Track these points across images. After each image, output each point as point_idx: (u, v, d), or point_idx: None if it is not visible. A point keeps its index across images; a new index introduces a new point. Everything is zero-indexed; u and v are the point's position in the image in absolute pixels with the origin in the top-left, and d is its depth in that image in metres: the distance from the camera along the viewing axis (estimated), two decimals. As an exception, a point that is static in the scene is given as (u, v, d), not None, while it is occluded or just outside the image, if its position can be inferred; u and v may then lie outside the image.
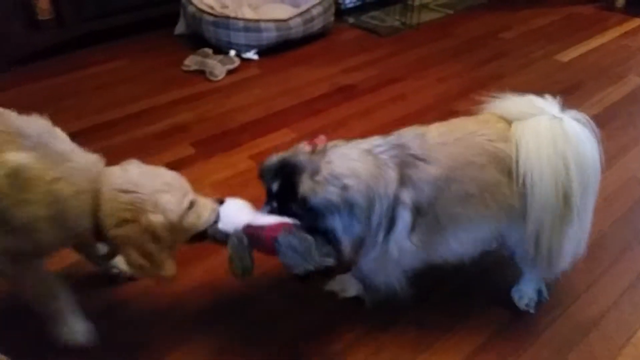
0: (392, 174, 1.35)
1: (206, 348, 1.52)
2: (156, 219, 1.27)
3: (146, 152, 2.27)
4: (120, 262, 1.65)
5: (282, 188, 1.38)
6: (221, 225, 1.39)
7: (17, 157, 1.20)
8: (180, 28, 3.48)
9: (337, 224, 1.34)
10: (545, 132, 1.34)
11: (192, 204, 1.36)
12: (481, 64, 3.22)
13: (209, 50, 3.17)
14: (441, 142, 1.40)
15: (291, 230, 1.30)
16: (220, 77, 2.99)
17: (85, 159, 1.32)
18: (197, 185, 2.08)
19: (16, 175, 1.20)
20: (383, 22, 3.75)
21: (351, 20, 3.77)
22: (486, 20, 3.87)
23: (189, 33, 3.43)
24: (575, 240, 1.46)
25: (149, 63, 3.15)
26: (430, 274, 1.54)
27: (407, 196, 1.35)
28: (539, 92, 1.46)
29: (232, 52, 3.16)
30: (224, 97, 2.83)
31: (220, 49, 3.19)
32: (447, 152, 1.38)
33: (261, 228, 1.32)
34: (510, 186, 1.35)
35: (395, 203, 1.35)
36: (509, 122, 1.41)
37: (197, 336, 1.55)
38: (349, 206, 1.32)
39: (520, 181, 1.33)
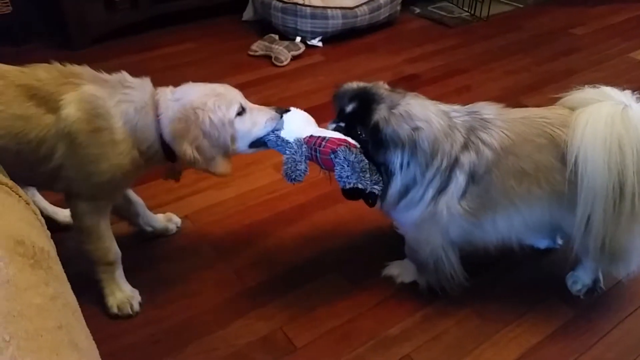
0: (459, 137, 1.39)
1: (261, 319, 1.55)
2: (205, 115, 1.39)
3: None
4: (152, 219, 1.81)
5: (356, 110, 1.42)
6: (283, 134, 1.44)
7: (86, 89, 1.36)
8: (248, 14, 3.55)
9: (396, 159, 1.38)
10: (603, 115, 1.30)
11: (244, 110, 1.45)
12: (551, 58, 3.12)
13: (275, 36, 3.22)
14: (510, 115, 1.44)
15: (351, 148, 1.34)
16: (285, 63, 3.03)
17: (136, 82, 1.45)
18: (260, 166, 2.18)
19: (90, 102, 1.35)
20: (450, 13, 3.69)
21: (417, 10, 3.73)
22: (557, 15, 3.75)
23: (256, 19, 3.49)
24: (636, 236, 1.39)
25: (216, 47, 3.23)
26: (496, 265, 1.51)
27: (466, 160, 1.39)
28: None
29: (298, 39, 3.20)
30: (289, 82, 2.87)
31: (287, 35, 3.24)
32: (512, 125, 1.41)
33: (323, 139, 1.36)
34: (563, 173, 1.35)
35: (454, 165, 1.38)
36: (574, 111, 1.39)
37: (250, 305, 1.59)
38: (414, 147, 1.36)
39: (572, 163, 1.31)
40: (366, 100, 1.40)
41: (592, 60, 3.11)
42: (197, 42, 3.28)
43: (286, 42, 3.15)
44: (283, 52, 3.06)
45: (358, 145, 1.37)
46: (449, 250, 1.52)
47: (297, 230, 1.86)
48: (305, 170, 1.36)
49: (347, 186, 1.31)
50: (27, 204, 0.87)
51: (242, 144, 1.48)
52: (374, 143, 1.37)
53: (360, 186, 1.30)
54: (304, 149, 1.37)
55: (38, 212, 0.90)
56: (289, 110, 1.49)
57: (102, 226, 1.49)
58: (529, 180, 1.38)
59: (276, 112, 1.49)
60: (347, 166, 1.31)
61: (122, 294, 1.56)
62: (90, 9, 3.13)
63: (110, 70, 1.48)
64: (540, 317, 1.57)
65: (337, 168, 1.32)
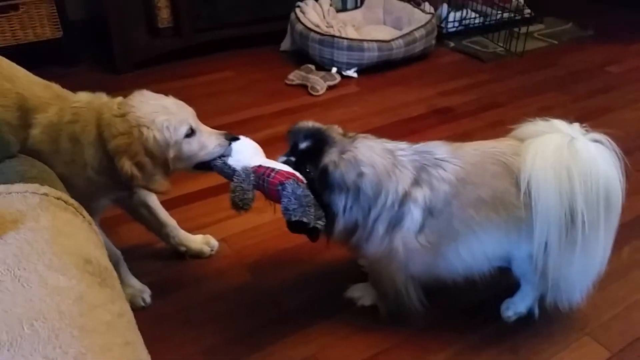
0: (406, 174, 1.44)
1: (296, 345, 1.57)
2: (148, 133, 1.37)
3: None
4: (186, 240, 1.85)
5: (309, 148, 1.48)
6: (231, 161, 1.47)
7: (52, 110, 1.40)
8: (285, 44, 3.65)
9: (340, 202, 1.44)
10: (552, 145, 1.36)
11: (193, 132, 1.44)
12: (587, 96, 3.12)
13: (312, 67, 3.30)
14: (462, 149, 1.50)
15: (298, 183, 1.38)
16: (321, 92, 3.10)
17: (84, 98, 1.46)
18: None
19: (52, 125, 1.39)
20: (485, 47, 3.73)
21: (452, 44, 3.78)
22: (592, 52, 3.75)
23: (294, 49, 3.58)
24: (583, 267, 1.43)
25: (255, 75, 3.33)
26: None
27: (420, 195, 1.42)
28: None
29: (334, 69, 3.27)
30: (324, 111, 2.93)
31: (323, 66, 3.32)
32: (466, 157, 1.46)
33: (272, 170, 1.41)
34: (519, 197, 1.38)
35: (404, 200, 1.42)
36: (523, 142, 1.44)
37: (286, 330, 1.62)
38: (357, 191, 1.42)
39: (524, 188, 1.35)
40: (320, 141, 1.47)
41: (629, 98, 3.09)
42: (236, 70, 3.39)
43: (322, 73, 3.23)
44: (319, 82, 3.13)
45: (305, 181, 1.42)
46: (409, 286, 1.55)
47: (333, 256, 1.88)
48: (253, 199, 1.39)
49: (293, 219, 1.34)
50: (90, 224, 0.93)
51: (186, 165, 1.50)
52: (320, 184, 1.43)
53: (304, 220, 1.34)
54: (251, 178, 1.40)
55: (98, 231, 0.96)
56: (238, 138, 1.52)
57: None
58: (487, 208, 1.41)
59: (225, 138, 1.50)
60: (294, 199, 1.35)
61: (132, 289, 1.64)
62: (135, 35, 3.27)
63: None
64: (575, 356, 1.56)
65: (284, 200, 1.36)
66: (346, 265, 1.83)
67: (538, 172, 1.34)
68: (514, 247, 1.47)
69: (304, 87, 3.16)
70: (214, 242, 1.93)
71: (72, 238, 0.81)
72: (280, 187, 1.37)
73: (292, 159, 1.49)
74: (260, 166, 1.43)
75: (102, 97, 1.49)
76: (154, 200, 1.77)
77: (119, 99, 1.47)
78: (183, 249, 1.86)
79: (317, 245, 1.93)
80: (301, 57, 3.44)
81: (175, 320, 1.66)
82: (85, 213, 0.93)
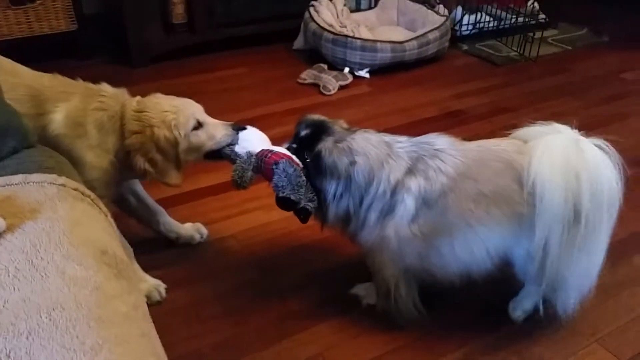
0: (400, 163, 1.45)
1: (303, 343, 1.58)
2: (159, 132, 1.50)
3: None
4: (176, 227, 1.89)
5: (308, 136, 1.53)
6: (237, 148, 1.56)
7: (74, 99, 1.49)
8: (298, 43, 3.65)
9: (330, 188, 1.47)
10: (559, 146, 1.38)
11: (200, 125, 1.56)
12: (601, 102, 3.10)
13: (324, 66, 3.30)
14: (463, 145, 1.52)
15: (292, 164, 1.44)
16: (332, 92, 3.10)
17: (110, 91, 1.58)
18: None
19: (74, 111, 1.48)
20: (498, 51, 3.72)
21: (465, 47, 3.77)
22: (607, 59, 3.73)
23: (307, 48, 3.59)
24: (580, 269, 1.44)
25: (268, 73, 3.33)
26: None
27: (414, 184, 1.43)
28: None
29: (346, 69, 3.27)
30: (335, 111, 2.93)
31: (335, 66, 3.31)
32: (467, 153, 1.47)
33: (270, 151, 1.48)
34: (521, 194, 1.38)
35: (396, 189, 1.44)
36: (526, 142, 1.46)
37: (293, 328, 1.62)
38: (348, 179, 1.45)
39: (529, 186, 1.36)
40: (319, 130, 1.52)
41: (645, 105, 3.08)
42: (250, 67, 3.39)
43: (334, 72, 3.23)
44: (331, 82, 3.13)
45: (301, 165, 1.47)
46: (402, 282, 1.56)
47: (343, 256, 1.89)
48: (252, 178, 1.47)
49: (280, 194, 1.40)
50: (106, 215, 0.93)
51: (197, 155, 1.61)
52: (314, 169, 1.48)
53: (292, 198, 1.39)
54: (252, 160, 1.48)
55: (113, 222, 0.96)
56: (245, 128, 1.60)
57: None
58: (487, 202, 1.41)
59: (232, 128, 1.60)
60: (285, 177, 1.40)
61: (147, 284, 1.67)
62: (150, 30, 3.28)
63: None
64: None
65: (275, 177, 1.42)
66: (356, 265, 1.83)
67: (545, 171, 1.34)
68: (514, 243, 1.46)
69: (316, 86, 3.16)
70: (204, 230, 1.96)
71: (88, 229, 0.82)
72: (274, 166, 1.43)
73: (294, 145, 1.55)
74: (262, 150, 1.50)
75: (124, 91, 1.59)
76: (140, 188, 1.82)
77: (136, 97, 1.57)
78: (173, 235, 1.90)
79: (326, 243, 1.95)
80: (314, 56, 3.44)
81: (185, 315, 1.66)
82: (101, 204, 0.94)
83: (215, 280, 1.80)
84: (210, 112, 2.75)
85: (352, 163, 1.45)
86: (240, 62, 3.45)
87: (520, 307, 1.63)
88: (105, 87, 1.59)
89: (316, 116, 1.59)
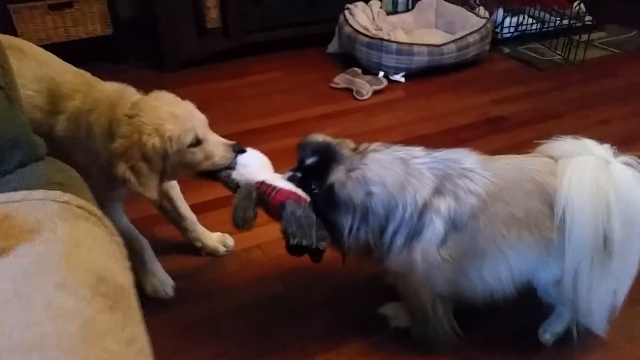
0: (425, 182, 1.35)
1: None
2: (148, 140, 1.33)
3: (288, 161, 2.34)
4: (203, 236, 1.85)
5: (315, 165, 1.41)
6: (235, 174, 1.42)
7: (80, 98, 1.43)
8: (332, 47, 3.58)
9: (346, 222, 1.36)
10: (589, 169, 1.30)
11: (199, 141, 1.41)
12: (653, 109, 2.91)
13: (358, 70, 3.22)
14: (493, 163, 1.41)
15: (300, 202, 1.32)
16: (366, 97, 3.01)
17: (111, 88, 1.47)
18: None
19: (78, 113, 1.42)
20: (542, 55, 3.55)
21: (507, 50, 3.62)
22: (659, 63, 3.52)
23: (341, 52, 3.51)
24: (609, 293, 1.37)
25: (301, 77, 3.27)
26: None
27: (443, 205, 1.34)
28: None
29: (381, 73, 3.18)
30: (368, 116, 2.85)
31: (370, 70, 3.22)
32: (497, 172, 1.37)
33: (274, 188, 1.35)
34: (552, 219, 1.31)
35: (424, 210, 1.34)
36: (556, 161, 1.37)
37: (318, 346, 1.54)
38: (365, 212, 1.35)
39: (560, 213, 1.28)
40: (326, 158, 1.39)
41: (701, 113, 2.87)
42: (283, 72, 3.34)
43: (368, 77, 3.14)
44: (365, 86, 3.05)
45: (308, 199, 1.36)
46: (438, 307, 1.46)
47: (370, 271, 1.79)
48: (254, 217, 1.35)
49: (292, 242, 1.28)
50: (112, 235, 0.88)
51: (190, 172, 1.47)
52: (326, 203, 1.36)
53: (304, 243, 1.27)
54: (253, 196, 1.35)
55: (121, 242, 0.91)
56: (245, 151, 1.47)
57: (114, 221, 1.56)
58: (520, 226, 1.33)
59: (233, 150, 1.45)
60: (294, 221, 1.28)
61: (155, 279, 1.67)
62: (184, 35, 3.27)
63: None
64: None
65: (284, 223, 1.30)
66: (382, 288, 1.74)
67: (574, 198, 1.27)
68: (542, 268, 1.38)
69: (349, 90, 3.08)
70: (230, 242, 1.91)
71: (88, 252, 0.76)
72: (280, 208, 1.32)
73: (298, 174, 1.44)
74: (263, 183, 1.38)
75: (125, 90, 1.48)
76: (176, 192, 1.78)
77: (137, 96, 1.46)
78: (199, 244, 1.86)
79: (353, 257, 1.86)
80: (348, 60, 3.36)
81: (201, 331, 1.61)
82: (107, 222, 0.89)
83: (236, 294, 1.75)
84: (243, 117, 2.75)
85: (369, 194, 1.35)
86: (272, 66, 3.40)
87: (550, 329, 1.54)
88: (104, 85, 1.49)
89: (320, 138, 1.47)
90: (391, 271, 1.48)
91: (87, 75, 1.53)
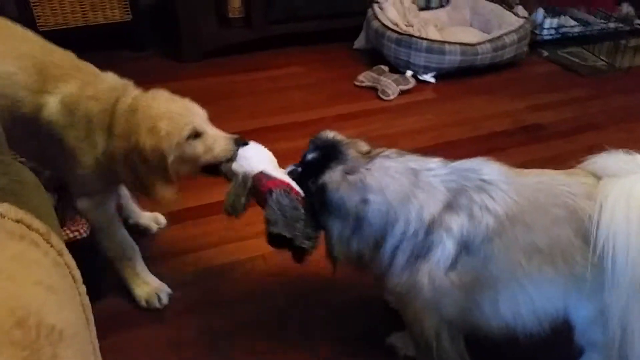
0: (435, 196, 1.20)
1: None
2: (145, 141, 1.31)
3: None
4: (138, 215, 1.83)
5: (315, 161, 1.30)
6: (235, 166, 1.37)
7: (73, 83, 1.38)
8: (359, 42, 3.40)
9: (335, 228, 1.25)
10: (637, 195, 1.08)
11: (197, 135, 1.38)
12: None
13: (385, 68, 3.03)
14: (520, 178, 1.23)
15: (290, 194, 1.24)
16: (392, 97, 2.83)
17: (114, 81, 1.44)
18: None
19: (70, 98, 1.37)
20: (584, 60, 3.32)
21: (546, 53, 3.40)
22: None
23: (368, 48, 3.34)
24: None
25: (323, 73, 3.11)
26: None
27: (455, 223, 1.18)
28: None
29: (409, 73, 2.99)
30: (393, 119, 2.67)
31: (397, 68, 3.04)
32: (522, 190, 1.19)
33: (268, 177, 1.29)
34: (585, 254, 1.12)
35: (432, 227, 1.19)
36: (599, 180, 1.16)
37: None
38: (358, 221, 1.22)
39: (599, 247, 1.09)
40: (327, 155, 1.27)
41: None
42: (305, 67, 3.17)
43: (395, 75, 2.95)
44: (391, 86, 2.86)
45: (302, 195, 1.27)
46: (443, 333, 1.28)
47: (377, 288, 1.62)
48: (244, 205, 1.29)
49: (272, 231, 1.21)
50: (60, 254, 0.73)
51: (192, 168, 1.43)
52: (317, 202, 1.25)
53: (286, 234, 1.20)
54: (248, 185, 1.30)
55: (72, 262, 0.76)
56: (247, 144, 1.41)
57: (107, 221, 1.51)
58: (541, 259, 1.15)
59: (234, 143, 1.41)
60: (277, 209, 1.21)
61: (149, 287, 1.58)
62: (204, 24, 3.14)
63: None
64: None
65: (267, 210, 1.23)
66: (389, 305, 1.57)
67: (619, 229, 1.07)
68: (572, 308, 1.21)
69: (374, 90, 2.90)
70: (162, 220, 1.88)
71: (12, 283, 0.61)
72: (267, 195, 1.25)
73: (299, 169, 1.35)
74: (260, 173, 1.31)
75: (127, 85, 1.44)
76: None
77: (136, 92, 1.41)
78: (131, 221, 1.82)
79: (359, 276, 1.70)
80: (375, 56, 3.18)
81: (196, 347, 1.48)
82: (54, 240, 0.73)
83: (235, 305, 1.61)
84: (259, 112, 2.59)
85: (364, 201, 1.21)
86: (295, 60, 3.24)
87: None
88: (107, 76, 1.46)
89: (331, 134, 1.35)
90: (392, 291, 1.32)
91: (74, 56, 1.46)
